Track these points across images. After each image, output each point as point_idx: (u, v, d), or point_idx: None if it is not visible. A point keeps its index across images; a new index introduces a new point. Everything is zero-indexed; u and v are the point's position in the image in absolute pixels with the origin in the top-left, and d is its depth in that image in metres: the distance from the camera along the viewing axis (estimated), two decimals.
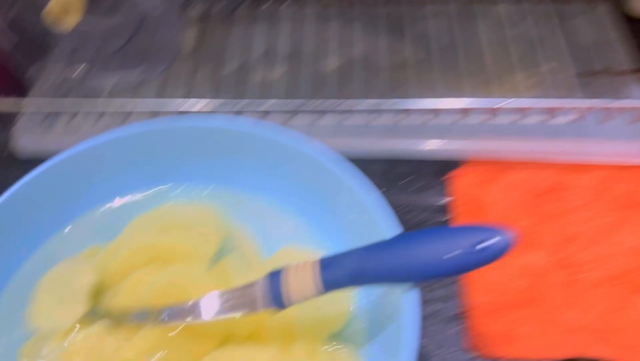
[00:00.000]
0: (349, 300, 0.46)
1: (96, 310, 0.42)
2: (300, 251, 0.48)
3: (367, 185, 0.42)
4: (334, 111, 0.56)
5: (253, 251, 0.48)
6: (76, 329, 0.41)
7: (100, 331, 0.41)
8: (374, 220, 0.41)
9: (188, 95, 0.60)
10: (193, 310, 0.38)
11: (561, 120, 0.56)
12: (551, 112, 0.56)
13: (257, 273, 0.42)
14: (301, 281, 0.36)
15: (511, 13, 0.66)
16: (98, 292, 0.43)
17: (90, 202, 0.49)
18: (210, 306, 0.38)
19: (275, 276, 0.37)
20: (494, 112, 0.56)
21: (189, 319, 0.38)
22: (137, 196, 0.51)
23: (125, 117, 0.59)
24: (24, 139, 0.59)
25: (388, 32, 0.64)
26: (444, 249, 0.33)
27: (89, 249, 0.47)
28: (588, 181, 0.54)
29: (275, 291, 0.37)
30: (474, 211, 0.53)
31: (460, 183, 0.55)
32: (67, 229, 0.49)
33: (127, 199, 0.51)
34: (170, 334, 0.40)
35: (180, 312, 0.39)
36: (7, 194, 0.44)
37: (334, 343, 0.44)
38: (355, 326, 0.44)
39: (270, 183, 0.50)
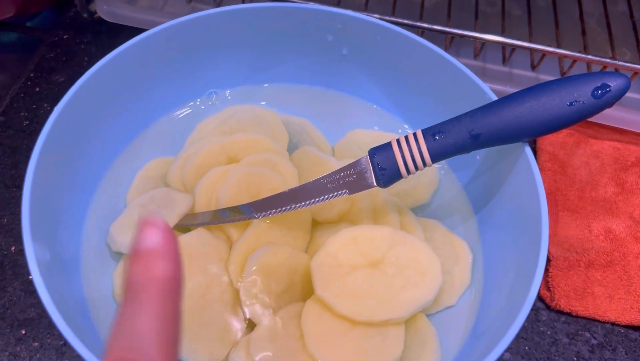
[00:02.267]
0: (435, 171, 0.44)
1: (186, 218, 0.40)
2: (371, 133, 0.46)
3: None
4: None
5: (321, 139, 0.46)
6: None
7: (198, 234, 0.39)
8: (473, 84, 0.40)
9: None
10: (291, 197, 0.36)
11: None
12: None
13: (328, 160, 0.41)
14: (406, 154, 0.34)
15: None
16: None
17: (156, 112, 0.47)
18: (310, 191, 0.36)
19: (376, 154, 0.35)
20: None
21: (287, 207, 0.36)
22: (188, 107, 0.48)
23: None
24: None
25: None
26: (566, 98, 0.32)
27: (155, 161, 0.45)
28: None
29: (378, 168, 0.35)
30: (557, 170, 0.51)
31: (546, 141, 0.53)
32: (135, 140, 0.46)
33: (183, 110, 0.48)
34: (266, 223, 0.38)
35: (275, 201, 0.37)
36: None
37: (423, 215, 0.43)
38: (443, 199, 0.44)
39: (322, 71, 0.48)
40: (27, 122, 0.52)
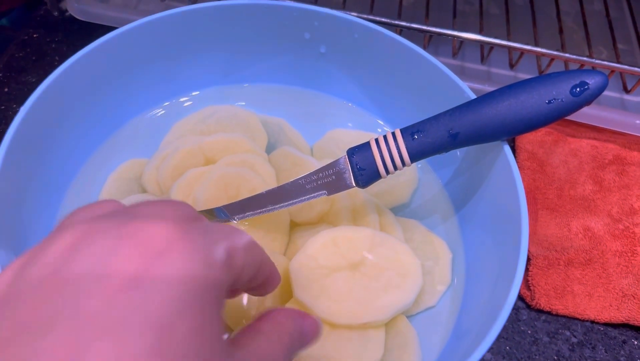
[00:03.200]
0: (415, 170, 0.44)
1: None
2: (350, 133, 0.46)
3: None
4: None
5: (299, 139, 0.46)
6: None
7: None
8: (451, 82, 0.39)
9: None
10: (269, 199, 0.35)
11: (636, 98, 0.55)
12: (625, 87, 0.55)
13: (307, 160, 0.41)
14: (384, 154, 0.34)
15: None
16: None
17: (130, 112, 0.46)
18: (288, 192, 0.35)
19: (355, 154, 0.35)
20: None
21: (264, 209, 0.36)
22: (163, 107, 0.47)
23: None
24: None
25: None
26: (544, 96, 0.32)
27: (129, 162, 0.44)
28: None
29: (357, 168, 0.34)
30: (536, 168, 0.51)
31: (525, 140, 0.53)
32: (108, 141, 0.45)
33: (157, 111, 0.47)
34: (244, 225, 0.38)
35: (252, 203, 0.36)
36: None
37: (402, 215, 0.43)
38: (423, 198, 0.44)
39: (301, 72, 0.48)
40: None
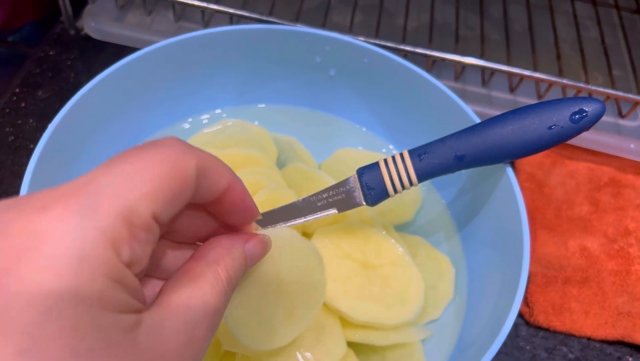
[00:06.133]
0: (419, 189, 0.46)
1: None
2: (357, 152, 0.48)
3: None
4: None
5: (308, 157, 0.48)
6: None
7: None
8: (457, 107, 0.41)
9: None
10: (281, 215, 0.37)
11: (631, 123, 0.57)
12: (620, 113, 0.57)
13: (319, 175, 0.43)
14: (393, 174, 0.36)
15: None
16: None
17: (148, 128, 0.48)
18: (299, 209, 0.37)
19: (364, 173, 0.36)
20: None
21: (277, 225, 0.37)
22: (178, 126, 0.49)
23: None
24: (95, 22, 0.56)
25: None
26: (545, 122, 0.34)
27: None
28: None
29: (366, 187, 0.36)
30: (535, 189, 0.53)
31: (524, 162, 0.55)
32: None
33: (173, 129, 0.49)
34: None
35: (266, 219, 0.37)
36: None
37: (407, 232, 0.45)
38: (427, 217, 0.46)
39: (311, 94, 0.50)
40: (12, 138, 0.51)
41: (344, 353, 0.35)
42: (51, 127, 0.36)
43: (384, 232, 0.40)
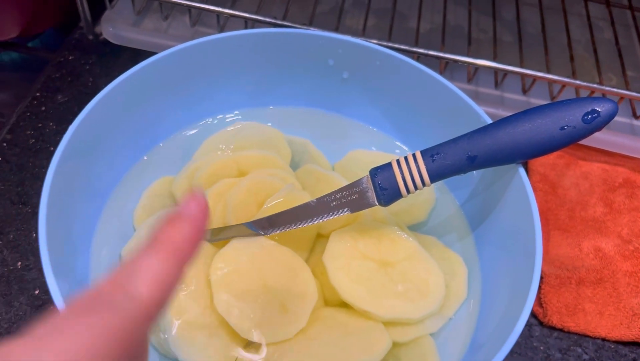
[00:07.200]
0: (432, 190, 0.46)
1: None
2: (370, 153, 0.48)
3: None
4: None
5: (322, 159, 0.48)
6: None
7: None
8: (469, 108, 0.42)
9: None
10: (296, 215, 0.38)
11: None
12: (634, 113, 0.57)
13: (333, 176, 0.44)
14: (405, 174, 0.36)
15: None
16: None
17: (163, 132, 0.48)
18: (313, 209, 0.37)
19: (377, 174, 0.37)
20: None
21: (291, 225, 0.38)
22: (193, 128, 0.50)
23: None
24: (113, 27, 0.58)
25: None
26: (557, 122, 0.34)
27: (160, 180, 0.46)
28: None
29: (379, 188, 0.36)
30: (548, 190, 0.53)
31: (537, 162, 0.55)
32: (144, 158, 0.47)
33: (189, 131, 0.50)
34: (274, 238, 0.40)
35: (280, 219, 0.38)
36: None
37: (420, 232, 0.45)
38: (440, 217, 0.46)
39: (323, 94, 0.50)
40: (32, 141, 0.53)
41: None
42: (71, 130, 0.37)
43: (395, 228, 0.40)
